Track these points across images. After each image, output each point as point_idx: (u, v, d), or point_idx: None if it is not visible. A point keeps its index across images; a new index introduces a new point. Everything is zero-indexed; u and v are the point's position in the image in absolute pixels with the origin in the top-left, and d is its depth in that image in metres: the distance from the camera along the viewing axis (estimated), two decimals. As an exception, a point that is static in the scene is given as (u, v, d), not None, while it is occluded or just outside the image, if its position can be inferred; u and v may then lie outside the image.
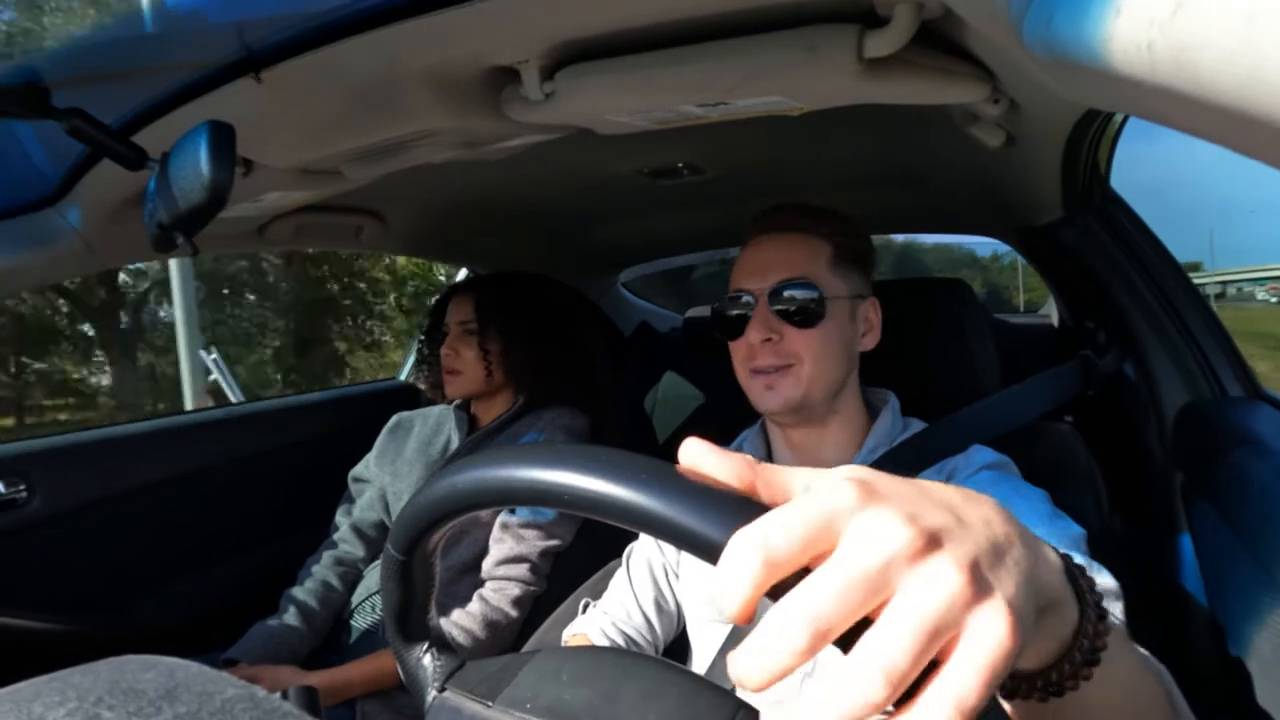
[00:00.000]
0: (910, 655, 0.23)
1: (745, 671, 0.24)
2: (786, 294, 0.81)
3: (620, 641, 0.89)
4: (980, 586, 0.25)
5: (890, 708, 0.24)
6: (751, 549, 0.25)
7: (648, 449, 0.72)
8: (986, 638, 0.24)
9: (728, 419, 1.00)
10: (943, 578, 0.25)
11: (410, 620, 0.48)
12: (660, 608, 0.92)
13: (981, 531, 0.27)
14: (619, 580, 0.95)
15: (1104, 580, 0.62)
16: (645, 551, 0.94)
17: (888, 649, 0.23)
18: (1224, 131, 0.24)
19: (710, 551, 0.27)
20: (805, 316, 0.81)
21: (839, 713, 0.23)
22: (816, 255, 0.83)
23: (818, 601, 0.24)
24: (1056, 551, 0.32)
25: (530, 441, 1.22)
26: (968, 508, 0.28)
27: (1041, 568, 0.29)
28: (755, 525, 0.26)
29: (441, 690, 0.48)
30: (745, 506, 0.28)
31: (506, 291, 1.30)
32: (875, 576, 0.24)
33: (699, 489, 0.29)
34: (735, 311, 0.84)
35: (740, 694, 0.45)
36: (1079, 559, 0.61)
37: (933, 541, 0.25)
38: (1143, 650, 0.50)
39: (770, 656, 0.24)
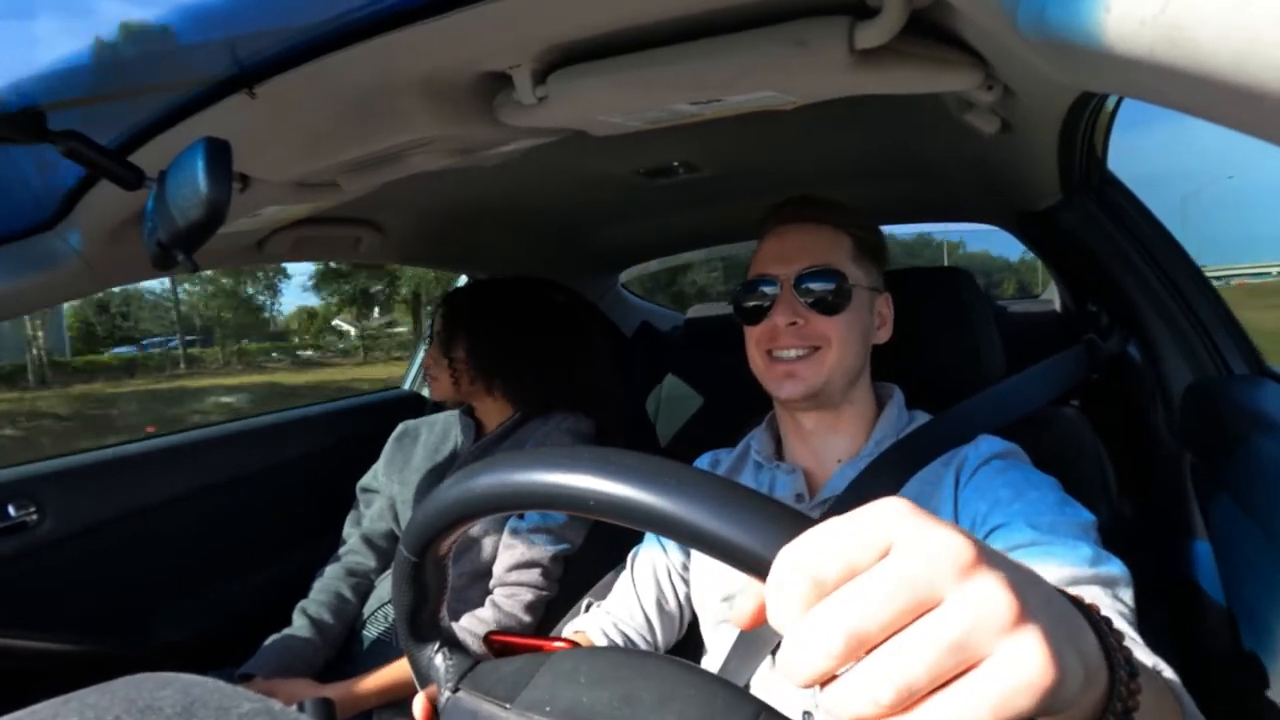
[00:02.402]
0: (927, 666, 0.22)
1: (788, 667, 0.24)
2: (813, 280, 0.82)
3: (620, 640, 0.89)
4: (1025, 612, 0.23)
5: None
6: (799, 573, 0.24)
7: (650, 451, 0.72)
8: (1013, 667, 0.22)
9: (731, 420, 0.99)
10: (990, 594, 0.23)
11: (422, 620, 0.48)
12: (662, 608, 0.92)
13: (1027, 573, 0.26)
14: (623, 581, 0.95)
15: (1113, 569, 0.61)
16: (650, 553, 0.94)
17: (905, 658, 0.23)
18: (1221, 108, 0.24)
19: (750, 564, 0.28)
20: (831, 303, 0.82)
21: (845, 711, 0.23)
22: (839, 246, 0.84)
23: (858, 608, 0.23)
24: (1085, 608, 0.30)
25: (532, 447, 1.22)
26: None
27: (1081, 632, 0.28)
28: (798, 545, 0.25)
29: (455, 690, 0.48)
30: (786, 522, 0.28)
31: (475, 299, 1.30)
32: (920, 584, 0.23)
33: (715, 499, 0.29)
34: (758, 296, 0.84)
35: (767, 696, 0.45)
36: (1088, 548, 0.61)
37: (984, 559, 0.24)
38: (1147, 658, 0.49)
39: (808, 656, 0.23)
